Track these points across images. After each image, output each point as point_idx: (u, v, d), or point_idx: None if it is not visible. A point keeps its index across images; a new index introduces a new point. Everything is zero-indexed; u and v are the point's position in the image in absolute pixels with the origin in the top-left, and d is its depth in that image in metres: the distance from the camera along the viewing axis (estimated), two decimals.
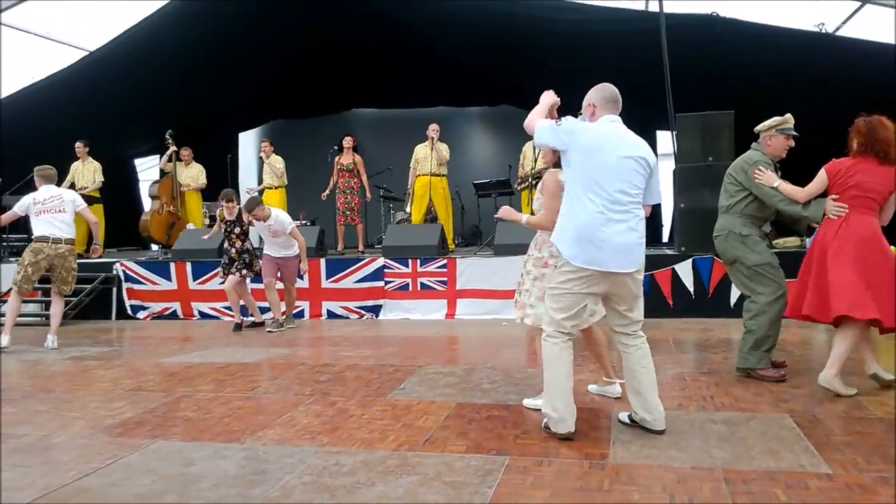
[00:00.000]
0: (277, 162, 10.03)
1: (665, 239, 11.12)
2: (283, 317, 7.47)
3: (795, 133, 4.45)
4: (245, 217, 7.43)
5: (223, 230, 7.65)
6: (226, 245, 7.64)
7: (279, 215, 7.16)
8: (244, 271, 7.48)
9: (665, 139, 10.28)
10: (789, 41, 8.40)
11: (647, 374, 3.34)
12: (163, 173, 10.74)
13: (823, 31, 8.53)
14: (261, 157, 10.06)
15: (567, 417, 3.26)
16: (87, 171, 10.03)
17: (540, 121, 3.40)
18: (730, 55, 8.58)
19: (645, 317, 3.44)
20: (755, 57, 8.52)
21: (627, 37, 8.78)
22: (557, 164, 3.57)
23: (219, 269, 7.84)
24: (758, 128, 4.57)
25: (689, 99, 7.84)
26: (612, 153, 3.23)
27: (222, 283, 7.65)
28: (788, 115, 4.47)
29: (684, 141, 7.59)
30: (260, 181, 10.83)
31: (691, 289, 7.14)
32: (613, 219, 3.22)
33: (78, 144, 9.98)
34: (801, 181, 4.25)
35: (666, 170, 6.99)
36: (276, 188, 9.99)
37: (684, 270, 7.22)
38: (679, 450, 3.08)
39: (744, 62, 8.63)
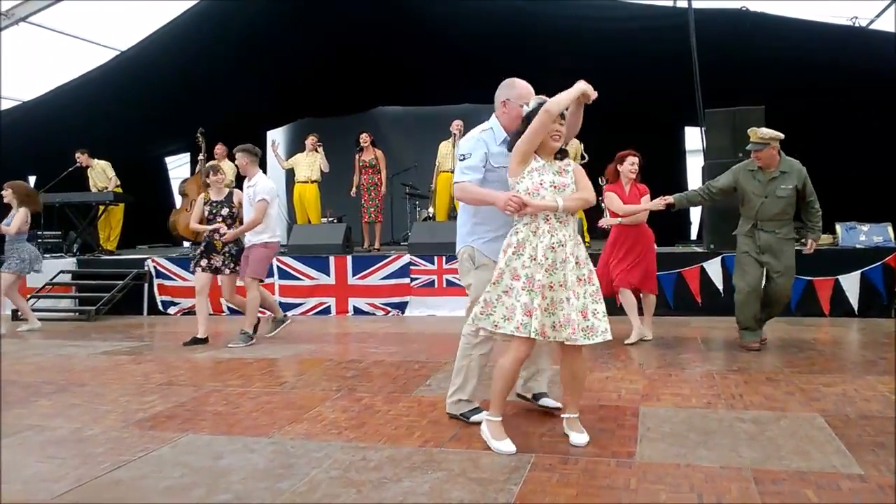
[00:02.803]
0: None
1: (693, 236, 11.00)
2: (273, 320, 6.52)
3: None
4: (236, 198, 6.32)
5: (206, 213, 6.27)
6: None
7: (264, 179, 6.20)
8: (232, 266, 6.28)
9: (694, 135, 10.16)
10: (821, 35, 8.25)
11: None
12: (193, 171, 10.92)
13: (856, 24, 8.36)
14: (313, 149, 9.87)
15: None
16: (98, 173, 10.27)
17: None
18: (760, 50, 8.46)
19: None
20: (786, 51, 8.39)
21: (656, 32, 8.70)
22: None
23: (200, 259, 6.26)
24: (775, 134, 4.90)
25: (719, 94, 7.74)
26: None
27: (193, 271, 6.30)
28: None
29: (713, 137, 7.50)
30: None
31: (720, 287, 7.03)
32: None
33: (77, 155, 10.10)
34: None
35: (695, 165, 6.91)
36: (312, 182, 9.89)
37: (713, 268, 7.11)
38: (707, 449, 3.05)
39: (774, 57, 8.50)
